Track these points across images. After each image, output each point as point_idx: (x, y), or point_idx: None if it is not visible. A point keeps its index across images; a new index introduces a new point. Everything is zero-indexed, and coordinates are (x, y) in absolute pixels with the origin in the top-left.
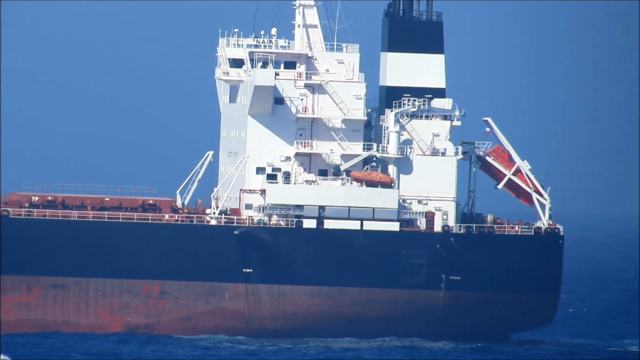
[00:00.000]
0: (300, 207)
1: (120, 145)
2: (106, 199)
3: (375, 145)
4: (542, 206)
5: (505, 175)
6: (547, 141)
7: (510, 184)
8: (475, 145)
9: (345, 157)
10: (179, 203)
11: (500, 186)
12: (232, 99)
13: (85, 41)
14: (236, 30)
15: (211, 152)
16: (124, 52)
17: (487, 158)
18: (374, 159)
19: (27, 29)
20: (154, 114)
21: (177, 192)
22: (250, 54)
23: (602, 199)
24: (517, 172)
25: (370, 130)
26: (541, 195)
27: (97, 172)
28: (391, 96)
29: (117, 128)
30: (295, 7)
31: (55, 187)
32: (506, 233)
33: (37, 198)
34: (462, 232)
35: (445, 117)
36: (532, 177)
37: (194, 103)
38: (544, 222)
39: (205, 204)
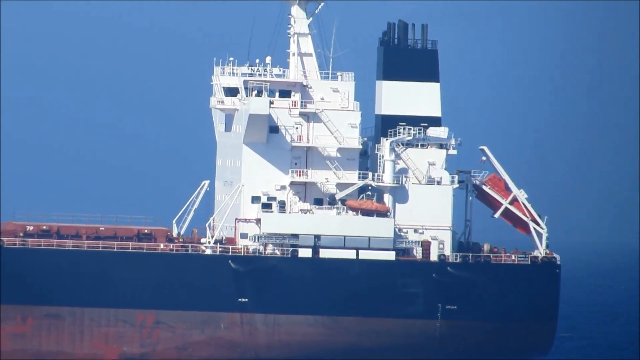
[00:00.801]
0: (295, 236)
1: (117, 174)
2: (101, 228)
3: (370, 174)
4: (539, 235)
5: (502, 204)
6: (544, 169)
7: (507, 213)
8: (472, 174)
9: (341, 186)
10: (175, 232)
11: (497, 215)
12: (228, 127)
13: (82, 69)
14: (231, 58)
15: (207, 182)
16: (120, 80)
17: (484, 187)
18: (370, 187)
19: (25, 54)
20: (150, 142)
21: (174, 221)
22: (245, 82)
23: (601, 228)
24: (514, 201)
25: (367, 159)
26: (538, 224)
27: (93, 201)
28: (387, 125)
29: (114, 157)
30: (290, 36)
31: (50, 217)
32: (502, 262)
33: (32, 227)
34: (458, 261)
35: (441, 146)
36: (528, 206)
37: (190, 132)
38: (541, 251)
39: (201, 234)
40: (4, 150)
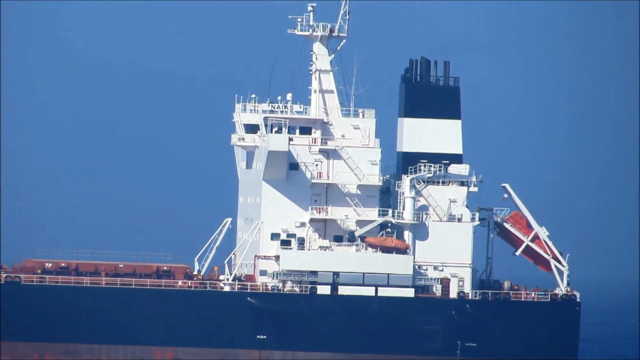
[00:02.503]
0: (314, 273)
1: (140, 211)
2: (120, 265)
3: (390, 211)
4: (560, 273)
5: (524, 241)
6: (566, 206)
7: (529, 251)
8: (494, 211)
9: (361, 223)
10: (196, 270)
11: (518, 253)
12: (249, 164)
13: (101, 107)
14: (253, 95)
15: (229, 219)
16: (146, 118)
17: (505, 224)
18: (390, 224)
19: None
20: (173, 180)
21: (195, 259)
22: (265, 119)
23: (624, 264)
24: (535, 238)
25: (389, 197)
26: (559, 262)
27: (113, 239)
28: (408, 162)
29: (136, 195)
30: (311, 73)
31: (70, 254)
32: (522, 300)
33: (50, 265)
34: (477, 298)
35: (462, 183)
36: (550, 243)
37: (214, 169)
38: (562, 288)
39: (221, 271)
40: (24, 185)
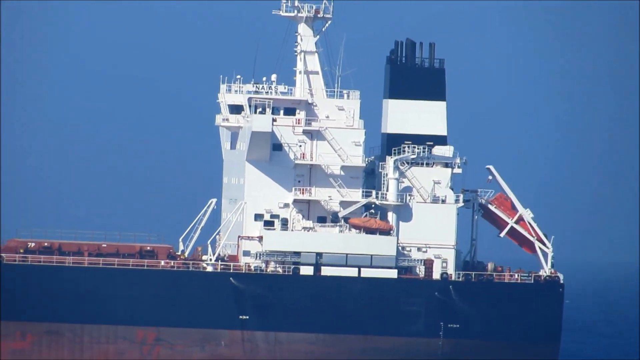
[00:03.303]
0: (297, 254)
1: (125, 191)
2: (103, 245)
3: (374, 192)
4: (545, 255)
5: (508, 223)
6: (549, 188)
7: (513, 232)
8: (478, 193)
9: (344, 204)
10: (180, 250)
11: (502, 234)
12: (233, 145)
13: (88, 87)
14: (238, 76)
15: (214, 200)
16: (129, 101)
17: (490, 206)
18: (373, 206)
19: (25, 73)
20: (159, 161)
21: (180, 239)
22: (249, 99)
23: (605, 246)
24: (520, 220)
25: (374, 178)
26: (544, 243)
27: (99, 219)
28: (392, 143)
29: (121, 175)
30: (296, 54)
31: (53, 234)
32: (505, 281)
33: (33, 244)
34: (461, 279)
35: (446, 165)
36: (534, 225)
37: (199, 150)
38: (546, 270)
39: (205, 252)
40: (7, 165)
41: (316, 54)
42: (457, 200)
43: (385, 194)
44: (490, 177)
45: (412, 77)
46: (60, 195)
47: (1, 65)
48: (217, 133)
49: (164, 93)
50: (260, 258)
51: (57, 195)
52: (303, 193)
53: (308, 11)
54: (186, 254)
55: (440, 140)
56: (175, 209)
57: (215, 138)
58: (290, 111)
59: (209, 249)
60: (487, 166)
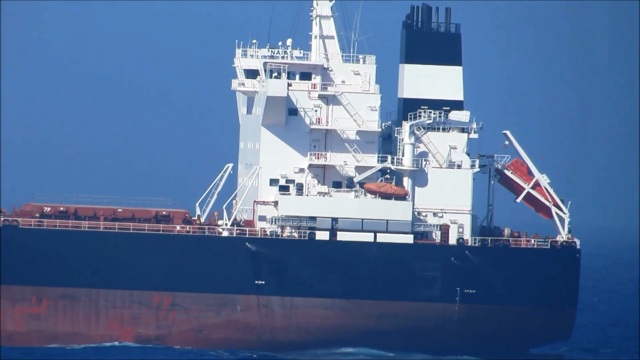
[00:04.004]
0: (313, 219)
1: (143, 158)
2: (119, 210)
3: (390, 157)
4: (562, 220)
5: (524, 188)
6: (565, 154)
7: (529, 198)
8: (495, 158)
9: (360, 169)
10: (197, 215)
11: (519, 200)
12: (249, 110)
13: (104, 54)
14: (254, 41)
15: (231, 165)
16: (145, 66)
17: (506, 171)
18: (389, 171)
19: (44, 32)
20: (177, 125)
21: (197, 204)
22: (265, 64)
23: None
24: (536, 185)
25: (391, 143)
26: (560, 209)
27: (116, 185)
28: (408, 108)
29: (139, 140)
30: (312, 19)
31: (69, 199)
32: (522, 246)
33: (49, 209)
34: (477, 245)
35: (462, 130)
36: (551, 190)
37: (217, 114)
38: (563, 236)
39: (221, 217)
40: (23, 130)
41: (332, 19)
42: (473, 166)
43: (401, 159)
44: (506, 143)
45: (428, 42)
46: (76, 160)
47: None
48: (234, 98)
49: (181, 57)
50: (275, 223)
51: (75, 159)
52: (318, 158)
53: None
54: (202, 219)
55: (457, 105)
56: (193, 174)
57: (232, 103)
58: (306, 76)
59: (225, 214)
60: (504, 131)
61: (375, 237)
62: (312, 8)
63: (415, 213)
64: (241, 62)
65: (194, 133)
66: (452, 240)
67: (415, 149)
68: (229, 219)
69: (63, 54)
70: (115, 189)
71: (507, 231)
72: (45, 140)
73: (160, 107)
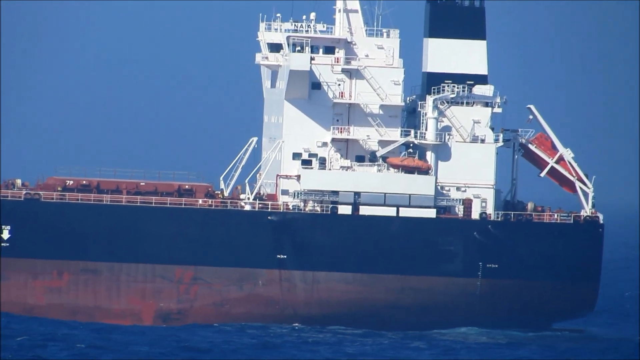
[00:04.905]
0: (335, 193)
1: (168, 132)
2: (141, 183)
3: (413, 131)
4: (585, 195)
5: (548, 163)
6: (590, 129)
7: (554, 172)
8: (518, 133)
9: (382, 143)
10: (220, 189)
11: (542, 174)
12: (273, 84)
13: (129, 29)
14: (278, 15)
15: (255, 138)
16: (170, 40)
17: (530, 146)
18: (412, 145)
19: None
20: (202, 99)
21: (221, 178)
22: (288, 38)
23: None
24: (560, 160)
25: (415, 117)
26: (584, 183)
27: (140, 159)
28: (432, 82)
29: (165, 114)
30: None
31: (92, 172)
32: (545, 221)
33: (71, 182)
34: (499, 219)
35: (486, 104)
36: (575, 165)
37: (242, 89)
38: (587, 210)
39: (244, 190)
40: (47, 103)
41: None
42: (496, 140)
43: (424, 133)
44: (530, 117)
45: (452, 16)
46: (103, 133)
47: None
48: (259, 71)
49: (206, 31)
50: (298, 197)
51: (100, 133)
52: (341, 132)
53: None
54: (226, 193)
55: (481, 79)
56: (218, 147)
57: (257, 76)
58: (329, 50)
59: (247, 188)
60: (528, 106)
61: (397, 211)
62: None
63: (438, 187)
64: (265, 36)
65: (219, 107)
66: (475, 215)
67: (439, 123)
68: (251, 193)
69: (87, 28)
70: (141, 163)
71: (530, 206)
72: (71, 115)
73: (187, 82)
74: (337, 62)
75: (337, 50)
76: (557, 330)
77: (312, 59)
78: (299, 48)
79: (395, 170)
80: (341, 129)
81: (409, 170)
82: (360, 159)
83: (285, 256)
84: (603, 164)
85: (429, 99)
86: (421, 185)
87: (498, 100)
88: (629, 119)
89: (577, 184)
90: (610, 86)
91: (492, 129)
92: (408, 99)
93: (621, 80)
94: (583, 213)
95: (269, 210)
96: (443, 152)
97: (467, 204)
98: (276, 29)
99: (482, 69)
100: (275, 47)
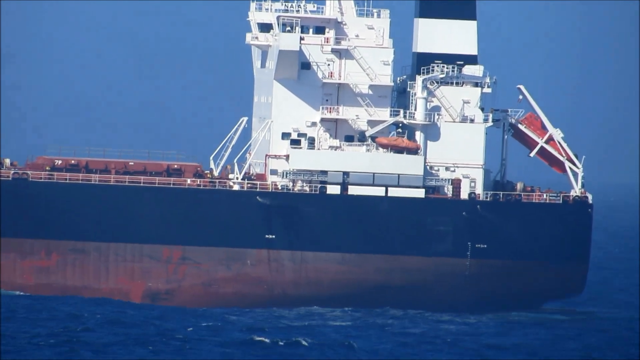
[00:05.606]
0: (324, 172)
1: (158, 112)
2: (130, 163)
3: (402, 111)
4: (575, 175)
5: (538, 143)
6: (580, 108)
7: (543, 152)
8: (508, 113)
9: (372, 123)
10: (208, 169)
11: (532, 154)
12: (263, 64)
13: (119, 7)
14: None
15: (245, 118)
16: (161, 19)
17: (520, 126)
18: (401, 125)
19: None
20: (192, 79)
21: (211, 158)
22: (278, 18)
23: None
24: (550, 140)
25: (406, 97)
26: (574, 163)
27: (128, 138)
28: (422, 62)
29: (155, 94)
30: None
31: (81, 151)
32: (534, 201)
33: (60, 162)
34: (488, 199)
35: (476, 84)
36: (564, 145)
37: (232, 69)
38: (576, 190)
39: (233, 170)
40: (35, 87)
41: None
42: (485, 120)
43: (414, 113)
44: (520, 97)
45: None
46: (93, 113)
47: None
48: (249, 51)
49: (197, 10)
50: (287, 177)
51: (90, 113)
52: (330, 112)
53: None
54: (215, 173)
55: (471, 59)
56: (208, 127)
57: (248, 56)
58: (319, 30)
59: (236, 168)
60: (518, 86)
61: (386, 191)
62: None
63: (427, 167)
64: (255, 16)
65: (209, 87)
66: (464, 195)
67: (428, 103)
68: (240, 173)
69: (79, 7)
70: (131, 142)
71: (519, 186)
72: (61, 94)
73: (177, 61)
74: (327, 42)
75: (327, 30)
76: (548, 312)
77: (301, 39)
78: (289, 28)
79: (384, 150)
80: (330, 108)
81: (398, 150)
82: (349, 138)
83: (273, 236)
84: (599, 146)
85: (419, 79)
86: (410, 165)
87: (488, 80)
88: (606, 100)
89: (567, 164)
90: (601, 65)
91: (482, 109)
92: (398, 79)
93: (614, 59)
94: (572, 193)
95: (258, 190)
96: (432, 132)
97: (456, 184)
98: (267, 9)
99: (472, 49)
100: (265, 27)
